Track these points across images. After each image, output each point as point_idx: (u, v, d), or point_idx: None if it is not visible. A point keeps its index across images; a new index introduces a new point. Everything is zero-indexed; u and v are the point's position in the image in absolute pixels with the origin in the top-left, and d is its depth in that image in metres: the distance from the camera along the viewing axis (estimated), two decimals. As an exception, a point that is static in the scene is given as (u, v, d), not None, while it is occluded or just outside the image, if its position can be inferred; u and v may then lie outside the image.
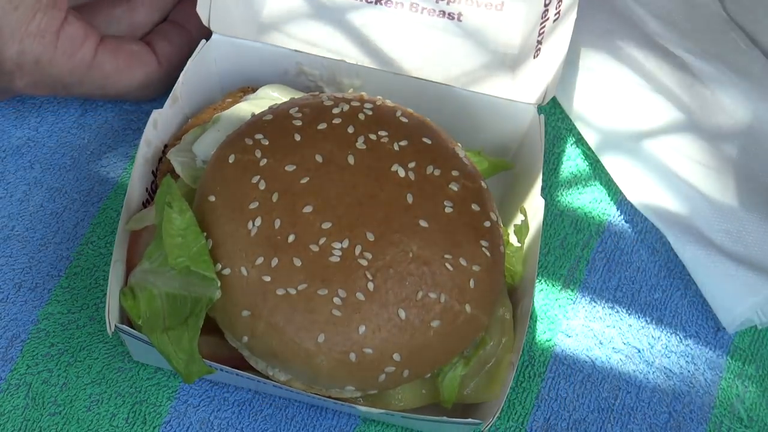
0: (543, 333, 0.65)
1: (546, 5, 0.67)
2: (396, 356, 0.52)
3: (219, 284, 0.52)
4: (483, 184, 0.57)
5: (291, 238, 0.52)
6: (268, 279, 0.51)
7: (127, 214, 0.59)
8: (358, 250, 0.52)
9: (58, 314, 0.62)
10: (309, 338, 0.51)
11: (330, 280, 0.51)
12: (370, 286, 0.52)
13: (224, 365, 0.54)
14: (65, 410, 0.59)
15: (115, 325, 0.55)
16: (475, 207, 0.55)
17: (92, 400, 0.60)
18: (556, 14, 0.66)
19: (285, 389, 0.55)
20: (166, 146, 0.63)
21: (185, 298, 0.53)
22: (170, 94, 0.63)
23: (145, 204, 0.61)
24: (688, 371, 0.64)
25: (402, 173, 0.55)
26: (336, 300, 0.51)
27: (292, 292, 0.51)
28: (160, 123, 0.61)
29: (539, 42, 0.66)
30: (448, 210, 0.55)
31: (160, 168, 0.62)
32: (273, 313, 0.51)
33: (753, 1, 0.75)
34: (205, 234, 0.53)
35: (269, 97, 0.63)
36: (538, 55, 0.66)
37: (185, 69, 0.64)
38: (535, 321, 0.65)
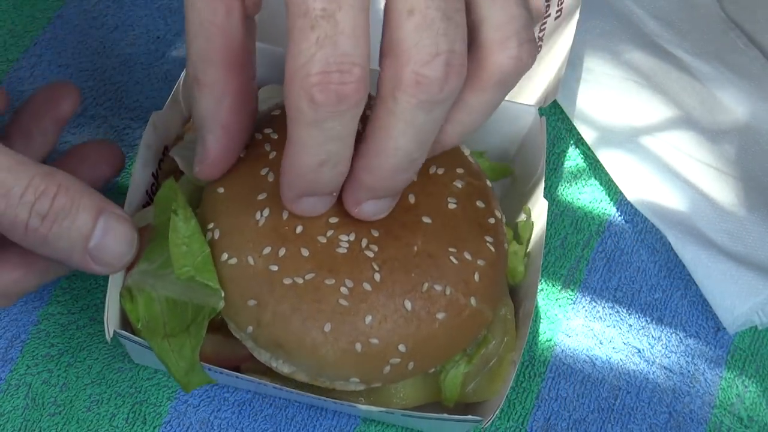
0: (543, 333, 0.65)
1: (547, 1, 0.66)
2: (401, 347, 0.52)
3: (223, 294, 0.52)
4: (487, 182, 0.58)
5: (299, 229, 0.52)
6: (275, 268, 0.51)
7: (128, 218, 0.58)
8: (364, 243, 0.52)
9: (59, 315, 0.62)
10: (315, 327, 0.51)
11: (337, 270, 0.51)
12: (377, 276, 0.52)
13: (226, 364, 0.54)
14: (65, 410, 0.59)
15: (114, 331, 0.54)
16: (480, 204, 0.55)
17: (92, 401, 0.60)
18: (558, 12, 0.66)
19: (285, 390, 0.55)
20: (166, 148, 0.63)
21: (186, 305, 0.53)
22: (170, 96, 0.62)
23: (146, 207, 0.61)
24: (688, 371, 0.64)
25: None
26: (343, 290, 0.51)
27: (299, 281, 0.51)
28: (160, 125, 0.61)
29: (540, 39, 0.66)
30: (452, 206, 0.55)
31: (162, 169, 0.62)
32: (280, 302, 0.51)
33: (751, 1, 0.75)
34: (212, 224, 0.53)
35: (270, 98, 0.63)
36: (539, 53, 0.66)
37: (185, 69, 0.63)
38: (536, 321, 0.65)
